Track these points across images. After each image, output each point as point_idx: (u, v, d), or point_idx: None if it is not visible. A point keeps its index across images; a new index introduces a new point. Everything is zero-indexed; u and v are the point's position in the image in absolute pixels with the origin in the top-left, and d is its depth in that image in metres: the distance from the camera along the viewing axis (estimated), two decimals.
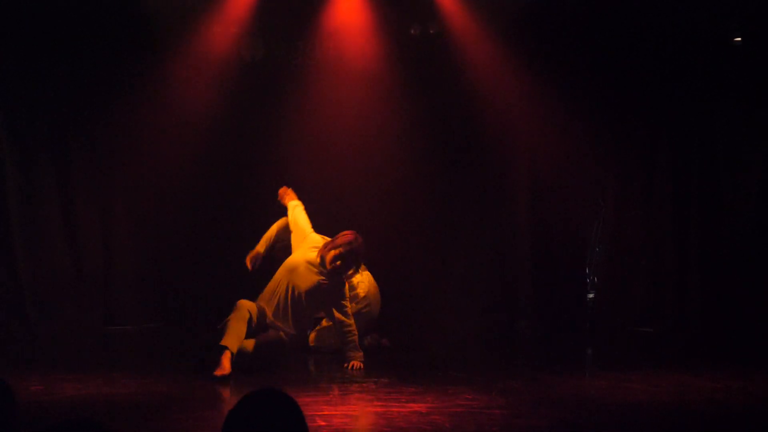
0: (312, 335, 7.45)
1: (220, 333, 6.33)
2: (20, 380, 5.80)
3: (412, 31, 8.84)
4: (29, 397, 5.48)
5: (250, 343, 6.49)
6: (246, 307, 6.50)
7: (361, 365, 6.64)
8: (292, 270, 6.79)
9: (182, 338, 8.21)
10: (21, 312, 8.23)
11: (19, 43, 8.20)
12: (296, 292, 6.73)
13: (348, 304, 6.85)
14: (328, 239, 6.90)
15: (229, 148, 8.89)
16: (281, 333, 6.75)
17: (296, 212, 7.08)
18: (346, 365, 6.66)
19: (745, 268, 8.18)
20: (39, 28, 8.21)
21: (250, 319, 6.44)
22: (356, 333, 6.80)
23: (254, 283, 7.00)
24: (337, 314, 6.74)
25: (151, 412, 5.27)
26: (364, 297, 7.41)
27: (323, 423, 4.91)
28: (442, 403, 5.40)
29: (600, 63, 8.51)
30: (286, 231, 7.14)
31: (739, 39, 8.27)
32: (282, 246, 7.17)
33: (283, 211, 7.26)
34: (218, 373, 6.13)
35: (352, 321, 6.80)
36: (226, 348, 6.24)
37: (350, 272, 6.95)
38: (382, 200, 8.89)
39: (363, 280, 7.40)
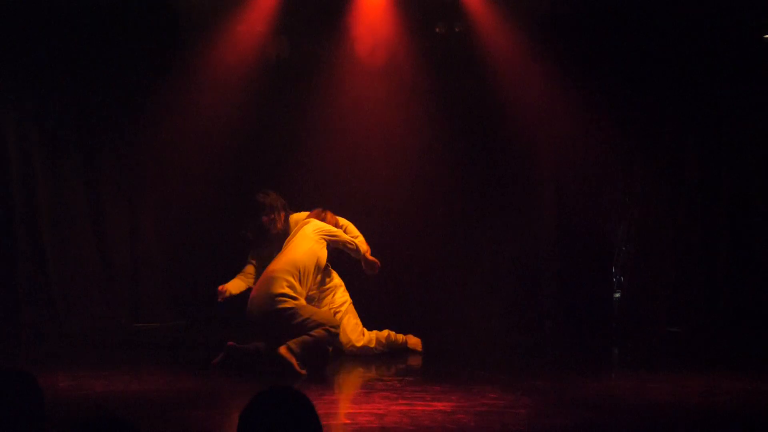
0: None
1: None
2: (49, 376, 5.86)
3: (438, 30, 8.83)
4: (58, 394, 5.53)
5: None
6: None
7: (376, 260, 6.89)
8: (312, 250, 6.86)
9: (209, 335, 8.25)
10: (50, 309, 8.31)
11: (48, 42, 8.28)
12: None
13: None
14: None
15: (256, 145, 8.93)
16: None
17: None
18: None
19: None
20: (67, 26, 8.29)
21: None
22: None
23: None
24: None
25: (178, 409, 5.30)
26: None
27: (348, 421, 4.93)
28: (467, 402, 5.40)
29: (626, 62, 8.45)
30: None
31: None
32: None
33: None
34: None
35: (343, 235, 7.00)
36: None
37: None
38: (407, 198, 8.89)
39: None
